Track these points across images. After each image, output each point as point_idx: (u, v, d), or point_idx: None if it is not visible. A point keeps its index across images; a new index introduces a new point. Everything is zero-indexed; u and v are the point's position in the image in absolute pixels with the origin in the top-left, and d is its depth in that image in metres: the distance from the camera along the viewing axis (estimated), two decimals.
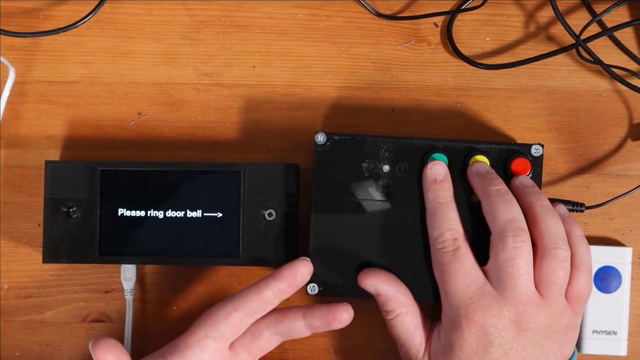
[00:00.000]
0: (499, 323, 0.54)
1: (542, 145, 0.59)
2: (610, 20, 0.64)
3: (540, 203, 0.56)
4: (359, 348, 0.63)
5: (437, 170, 0.58)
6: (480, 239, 0.58)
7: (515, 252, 0.54)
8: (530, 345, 0.54)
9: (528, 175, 0.59)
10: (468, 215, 0.59)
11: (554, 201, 0.59)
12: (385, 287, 0.57)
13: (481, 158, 0.59)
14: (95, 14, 0.64)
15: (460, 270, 0.55)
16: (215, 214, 0.61)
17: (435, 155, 0.59)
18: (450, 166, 0.59)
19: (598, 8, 0.64)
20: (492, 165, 0.59)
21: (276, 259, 0.60)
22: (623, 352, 0.62)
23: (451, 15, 0.64)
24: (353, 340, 0.63)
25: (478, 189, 0.58)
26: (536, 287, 0.55)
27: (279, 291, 0.56)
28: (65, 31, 0.64)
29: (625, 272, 0.62)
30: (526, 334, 0.54)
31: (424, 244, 0.59)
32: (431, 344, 0.57)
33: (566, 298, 0.56)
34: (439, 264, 0.56)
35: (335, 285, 0.59)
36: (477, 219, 0.58)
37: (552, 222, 0.56)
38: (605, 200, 0.62)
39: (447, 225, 0.56)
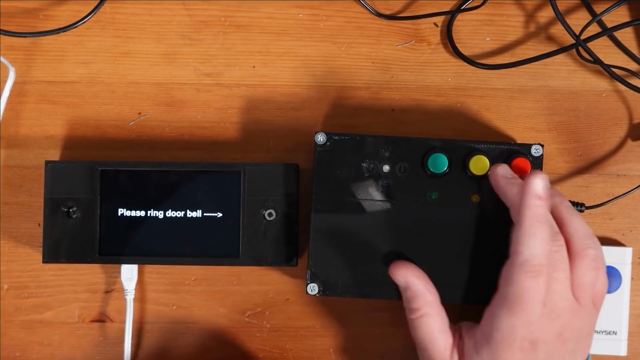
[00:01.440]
0: (548, 339, 0.53)
1: (542, 145, 0.59)
2: (610, 20, 0.64)
3: (565, 205, 0.56)
4: (359, 348, 0.63)
5: (543, 184, 0.54)
6: (481, 239, 0.58)
7: (557, 256, 0.54)
8: (567, 353, 0.54)
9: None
10: (468, 215, 0.59)
11: None
12: (416, 281, 0.56)
13: (481, 158, 0.59)
14: (95, 14, 0.64)
15: (537, 297, 0.53)
16: (215, 214, 0.61)
17: (435, 155, 0.59)
18: (450, 166, 0.59)
19: (598, 8, 0.64)
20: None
21: (276, 259, 0.61)
22: (623, 352, 0.62)
23: (451, 15, 0.64)
24: (353, 340, 0.63)
25: (504, 194, 0.57)
26: (572, 292, 0.54)
27: None
28: (65, 31, 0.64)
29: (625, 272, 0.62)
30: (566, 343, 0.54)
31: (424, 244, 0.59)
32: (465, 351, 0.55)
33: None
34: (518, 285, 0.53)
35: (335, 285, 0.59)
36: (478, 218, 0.58)
37: (580, 223, 0.55)
38: (605, 200, 0.62)
39: (541, 249, 0.53)
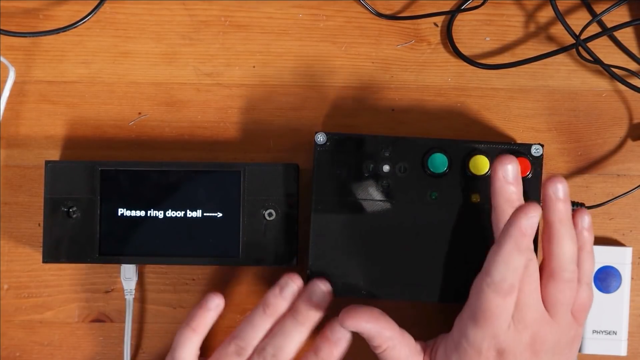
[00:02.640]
0: (516, 350, 0.54)
1: (542, 145, 0.59)
2: (610, 20, 0.64)
3: (563, 224, 0.55)
4: (358, 348, 0.63)
5: (533, 225, 0.52)
6: (481, 239, 0.58)
7: (524, 270, 0.54)
8: None
9: (528, 175, 0.59)
10: (468, 215, 0.59)
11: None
12: (367, 325, 0.56)
13: (481, 158, 0.59)
14: (95, 14, 0.64)
15: (503, 315, 0.53)
16: (215, 214, 0.61)
17: (435, 155, 0.59)
18: (450, 166, 0.59)
19: (598, 8, 0.64)
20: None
21: (276, 259, 0.61)
22: (623, 352, 0.62)
23: (451, 15, 0.64)
24: (353, 340, 0.63)
25: (492, 195, 0.57)
26: (545, 307, 0.55)
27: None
28: (65, 31, 0.64)
29: (625, 272, 0.62)
30: (539, 355, 0.54)
31: (424, 243, 0.59)
32: (436, 359, 0.57)
33: (571, 312, 0.56)
34: (484, 302, 0.53)
35: (334, 285, 0.59)
36: (478, 218, 0.58)
37: (566, 245, 0.55)
38: (605, 200, 0.62)
39: (513, 277, 0.53)
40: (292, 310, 0.58)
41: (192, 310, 0.60)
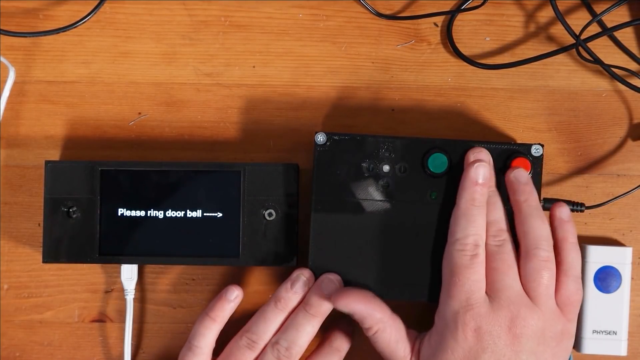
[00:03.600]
0: (493, 330, 0.54)
1: (542, 145, 0.59)
2: (610, 20, 0.64)
3: (528, 203, 0.57)
4: (359, 348, 0.63)
5: (483, 172, 0.57)
6: None
7: (497, 249, 0.56)
8: (524, 353, 0.54)
9: (528, 174, 0.59)
10: None
11: (555, 201, 0.59)
12: (358, 306, 0.57)
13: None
14: (95, 14, 0.64)
15: (472, 277, 0.55)
16: (215, 214, 0.61)
17: (435, 155, 0.59)
18: (450, 166, 0.59)
19: (598, 8, 0.64)
20: (493, 165, 0.59)
21: (276, 259, 0.61)
22: (623, 352, 0.62)
23: (451, 15, 0.64)
24: (353, 340, 0.63)
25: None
26: (524, 290, 0.55)
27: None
28: (65, 31, 0.64)
29: (625, 272, 0.62)
30: (520, 340, 0.54)
31: (423, 244, 0.59)
32: (421, 350, 0.57)
33: (557, 304, 0.56)
34: (453, 265, 0.56)
35: None
36: None
37: (536, 224, 0.56)
38: (605, 200, 0.62)
39: (474, 230, 0.56)
40: (303, 303, 0.58)
41: (211, 302, 0.60)
